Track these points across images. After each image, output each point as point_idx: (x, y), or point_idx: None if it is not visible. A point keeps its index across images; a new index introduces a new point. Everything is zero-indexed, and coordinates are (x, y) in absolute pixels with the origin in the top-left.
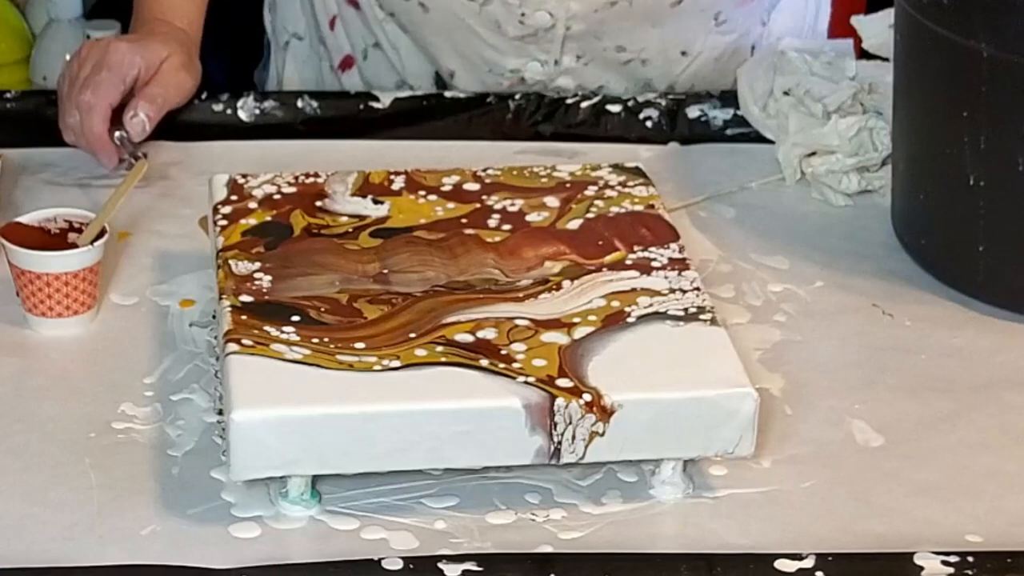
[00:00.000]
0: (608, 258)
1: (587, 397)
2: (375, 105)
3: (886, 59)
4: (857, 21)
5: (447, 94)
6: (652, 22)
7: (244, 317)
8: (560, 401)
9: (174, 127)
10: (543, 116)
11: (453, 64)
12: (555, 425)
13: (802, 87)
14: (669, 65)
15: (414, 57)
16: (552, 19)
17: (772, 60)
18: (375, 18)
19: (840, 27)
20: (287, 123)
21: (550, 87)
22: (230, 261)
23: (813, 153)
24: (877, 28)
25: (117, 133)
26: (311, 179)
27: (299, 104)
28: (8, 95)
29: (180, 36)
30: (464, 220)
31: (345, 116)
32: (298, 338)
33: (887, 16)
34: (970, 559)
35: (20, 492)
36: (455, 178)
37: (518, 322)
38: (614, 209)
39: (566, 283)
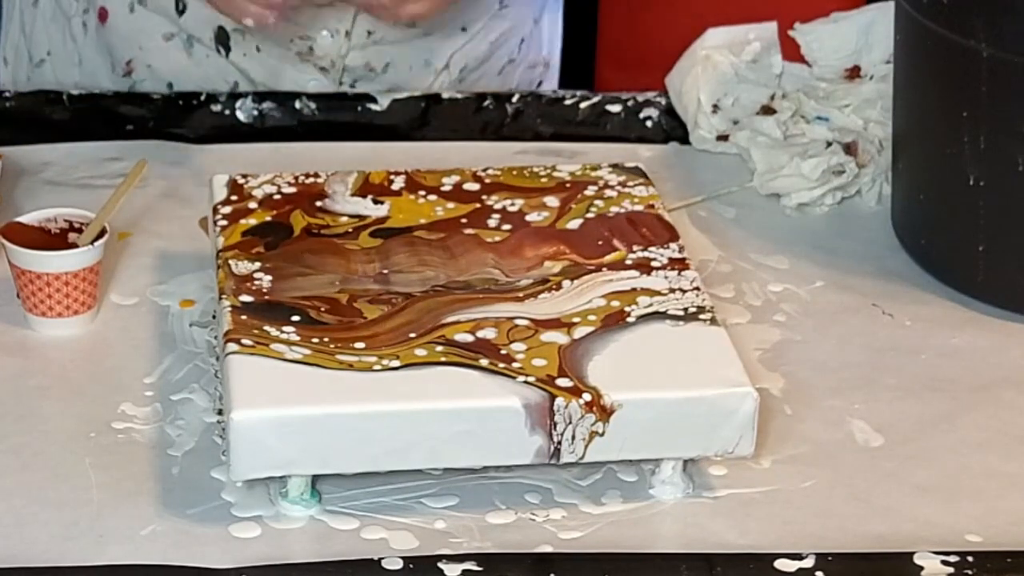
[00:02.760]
0: (608, 258)
1: (587, 397)
2: (373, 107)
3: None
4: (799, 28)
5: (445, 95)
6: None
7: (244, 317)
8: (560, 401)
9: (172, 129)
10: (543, 116)
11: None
12: (555, 425)
13: (730, 96)
14: (448, 41)
15: (198, 7)
16: None
17: (696, 69)
18: None
19: None
20: (285, 124)
21: (339, 64)
22: (230, 261)
23: None
24: (817, 35)
25: None
26: (311, 179)
27: (297, 105)
28: (8, 95)
29: None
30: (464, 220)
31: (343, 117)
32: (298, 338)
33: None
34: (970, 559)
35: (20, 492)
36: (455, 178)
37: (518, 322)
38: (614, 209)
39: (566, 283)
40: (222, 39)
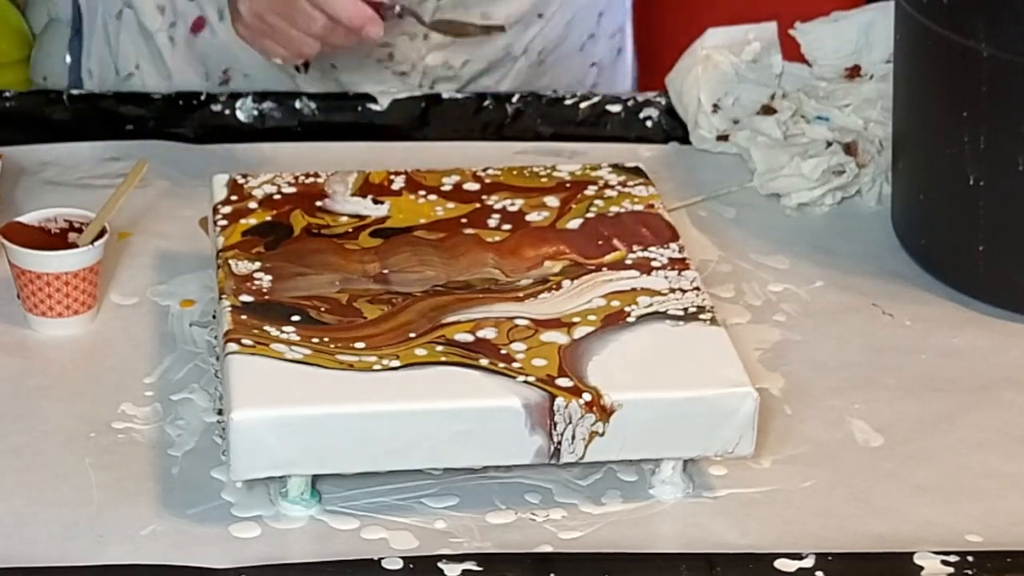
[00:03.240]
0: (608, 258)
1: (587, 397)
2: (373, 107)
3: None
4: (800, 28)
5: (445, 95)
6: None
7: (244, 317)
8: (560, 401)
9: (172, 129)
10: (543, 116)
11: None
12: (555, 425)
13: (731, 96)
14: (527, 30)
15: None
16: None
17: (696, 68)
18: None
19: None
20: (285, 124)
21: (419, 66)
22: (230, 261)
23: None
24: (817, 35)
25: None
26: (311, 179)
27: (297, 105)
28: (8, 95)
29: None
30: (464, 220)
31: (343, 117)
32: (298, 338)
33: (827, 21)
34: (970, 559)
35: (20, 492)
36: (455, 178)
37: (518, 322)
38: (614, 209)
39: (566, 283)
40: None
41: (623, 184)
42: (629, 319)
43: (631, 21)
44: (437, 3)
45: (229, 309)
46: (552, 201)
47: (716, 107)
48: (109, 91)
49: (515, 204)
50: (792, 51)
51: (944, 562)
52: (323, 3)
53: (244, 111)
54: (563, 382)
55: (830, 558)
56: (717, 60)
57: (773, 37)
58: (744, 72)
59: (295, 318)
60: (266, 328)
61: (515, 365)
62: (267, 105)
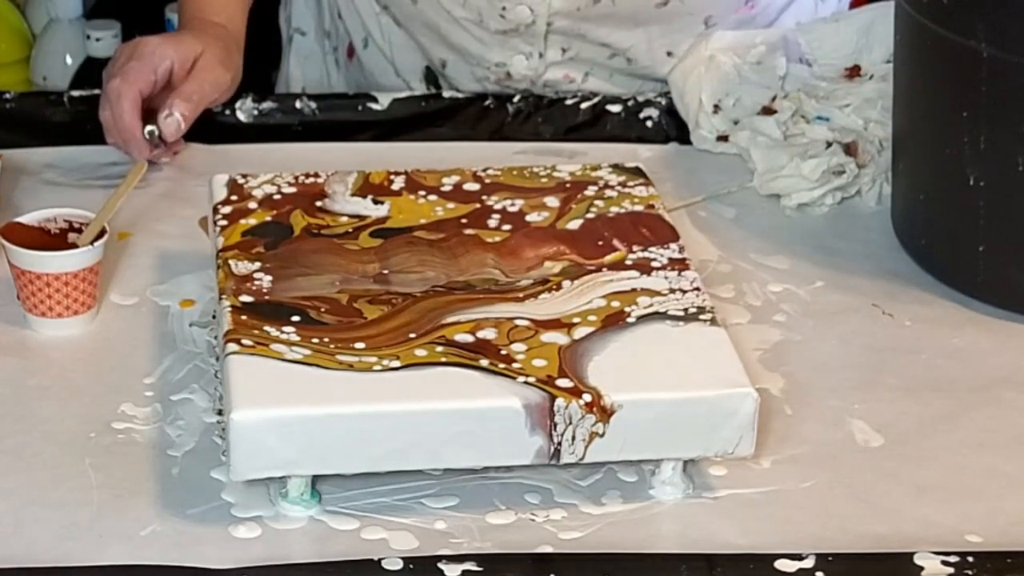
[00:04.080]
0: (608, 258)
1: (587, 397)
2: (373, 106)
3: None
4: (800, 27)
5: (446, 94)
6: (636, 21)
7: (244, 317)
8: (560, 401)
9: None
10: (543, 116)
11: (443, 56)
12: (555, 425)
13: (732, 97)
14: (655, 65)
15: (406, 50)
16: (532, 15)
17: (699, 68)
18: (370, 11)
19: None
20: (286, 124)
21: (539, 82)
22: (230, 261)
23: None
24: (817, 34)
25: (148, 128)
26: (311, 179)
27: (297, 105)
28: (8, 95)
29: (218, 32)
30: (464, 220)
31: (344, 117)
32: (298, 338)
33: (828, 21)
34: (970, 559)
35: (20, 492)
36: (455, 178)
37: (518, 322)
38: (614, 209)
39: (566, 283)
40: (431, 79)
41: (623, 184)
42: (629, 319)
43: None
44: (548, 27)
45: (229, 309)
46: (552, 201)
47: (717, 108)
48: None
49: (515, 204)
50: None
51: (944, 562)
52: (112, 103)
53: (244, 111)
54: (563, 383)
55: (830, 558)
56: (720, 61)
57: (779, 41)
58: (747, 73)
59: (295, 318)
60: (266, 328)
61: (515, 366)
62: (267, 105)
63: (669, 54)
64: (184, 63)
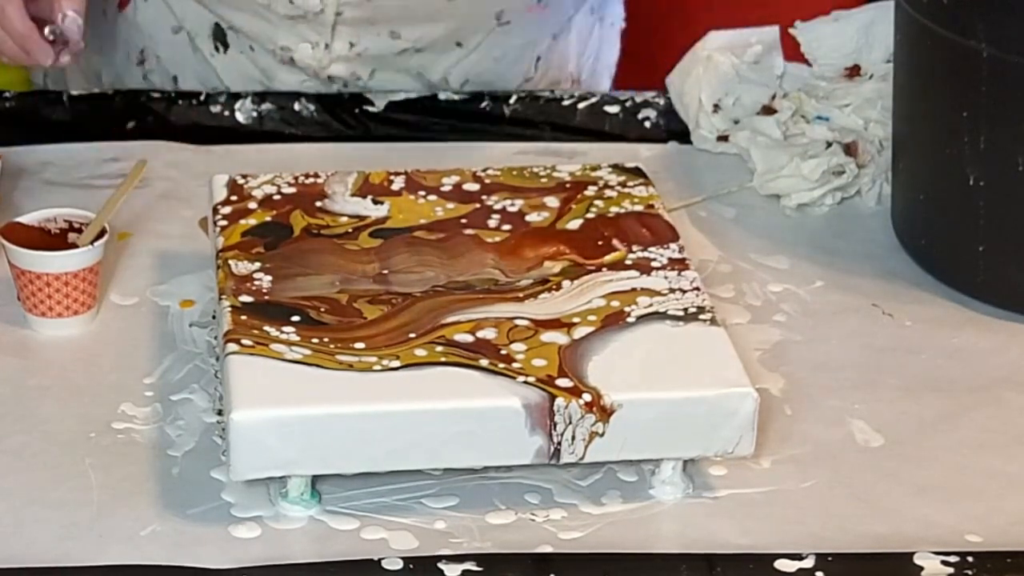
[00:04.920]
0: (608, 258)
1: (587, 397)
2: (370, 109)
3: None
4: (800, 27)
5: (442, 96)
6: (428, 15)
7: (244, 317)
8: (560, 401)
9: (172, 129)
10: (542, 116)
11: (230, 21)
12: (555, 425)
13: (731, 96)
14: (443, 56)
15: (193, 6)
16: (321, 3)
17: (698, 69)
18: None
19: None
20: (284, 125)
21: (322, 74)
22: (230, 261)
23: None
24: (817, 34)
25: (47, 28)
26: (311, 179)
27: (296, 107)
28: (8, 95)
29: None
30: (464, 220)
31: (342, 118)
32: (298, 338)
33: (827, 21)
34: (970, 559)
35: (20, 492)
36: (455, 178)
37: (518, 322)
38: (614, 209)
39: (566, 283)
40: (219, 36)
41: (623, 184)
42: (629, 319)
43: (611, 68)
44: (337, 16)
45: (229, 309)
46: (552, 201)
47: (717, 107)
48: (109, 90)
49: (515, 204)
50: (793, 51)
51: (944, 562)
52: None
53: (243, 112)
54: (563, 382)
55: (830, 558)
56: (718, 61)
57: (775, 40)
58: (745, 73)
59: (295, 318)
60: (266, 328)
61: (515, 365)
62: (266, 107)
63: (458, 45)
64: None
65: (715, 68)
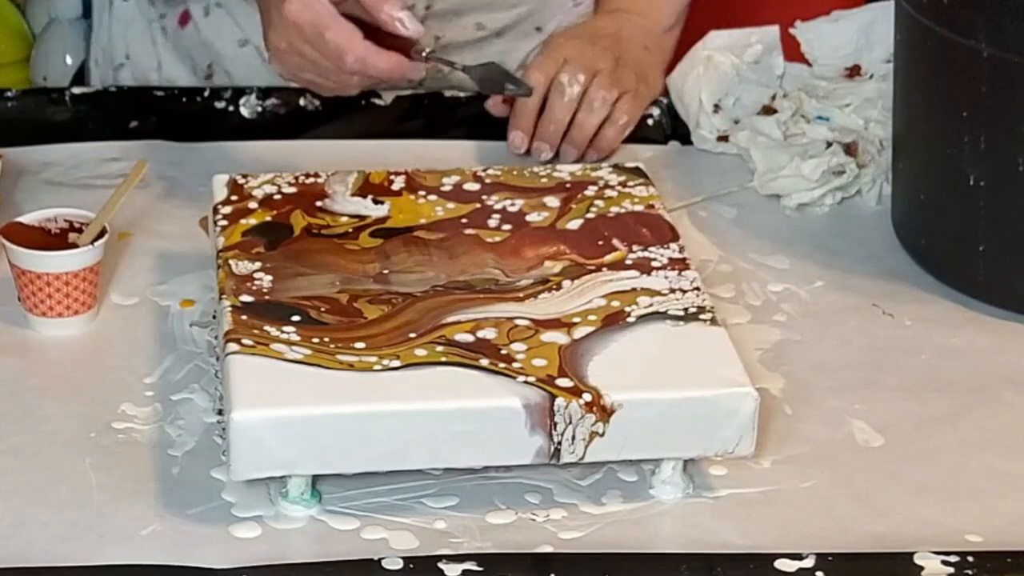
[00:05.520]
0: (608, 258)
1: (587, 397)
2: (377, 102)
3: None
4: (800, 26)
5: (446, 93)
6: (513, 3)
7: (244, 317)
8: (560, 401)
9: (175, 125)
10: None
11: None
12: (555, 425)
13: (731, 96)
14: (522, 40)
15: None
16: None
17: (698, 69)
18: None
19: None
20: (289, 120)
21: None
22: (230, 261)
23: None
24: (817, 34)
25: (422, 50)
26: (311, 179)
27: (301, 102)
28: (8, 95)
29: None
30: (464, 220)
31: (346, 113)
32: (298, 338)
33: (828, 20)
34: (970, 559)
35: (20, 492)
36: (455, 178)
37: (518, 322)
38: (614, 209)
39: (566, 283)
40: None
41: (623, 184)
42: (629, 319)
43: None
44: (427, 9)
45: (229, 309)
46: (552, 201)
47: (717, 107)
48: (111, 89)
49: (515, 204)
50: (793, 51)
51: (944, 562)
52: (363, 68)
53: (248, 107)
54: (563, 382)
55: (830, 558)
56: (718, 61)
57: (775, 40)
58: (745, 73)
59: (295, 318)
60: (266, 328)
61: (515, 365)
62: (271, 102)
63: (538, 29)
64: None
65: (715, 68)
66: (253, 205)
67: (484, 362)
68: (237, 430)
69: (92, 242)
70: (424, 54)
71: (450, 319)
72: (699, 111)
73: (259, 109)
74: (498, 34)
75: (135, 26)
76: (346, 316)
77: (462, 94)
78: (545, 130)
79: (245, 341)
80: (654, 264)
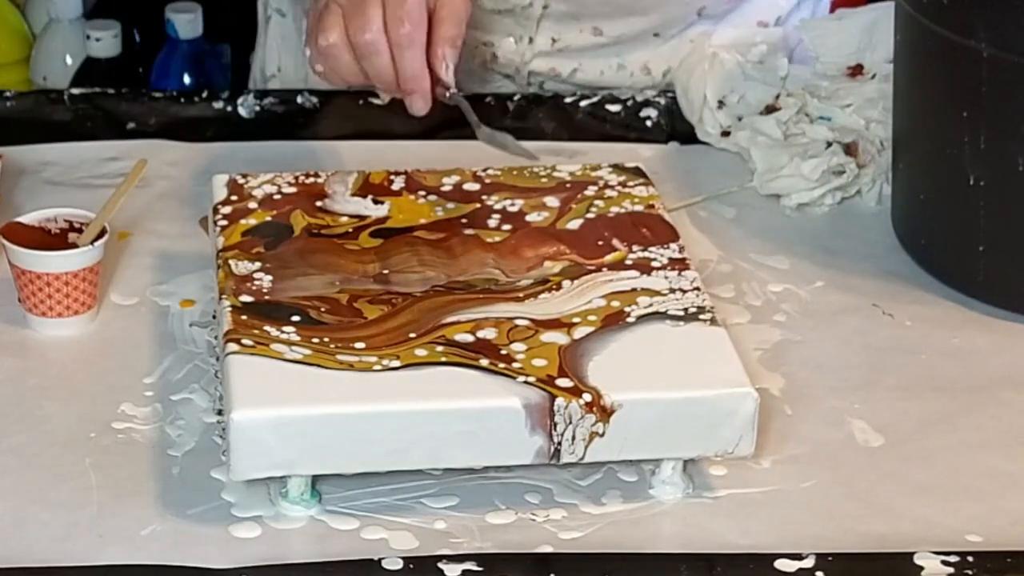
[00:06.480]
0: (608, 258)
1: (587, 397)
2: (375, 101)
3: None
4: (802, 24)
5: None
6: (632, 9)
7: (244, 317)
8: (560, 401)
9: (174, 125)
10: (543, 116)
11: None
12: (555, 425)
13: (736, 93)
14: (642, 47)
15: None
16: None
17: (703, 65)
18: None
19: None
20: (287, 119)
21: (523, 70)
22: (230, 261)
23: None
24: (820, 31)
25: (449, 93)
26: (311, 179)
27: (299, 100)
28: (8, 95)
29: None
30: (464, 220)
31: (345, 112)
32: (298, 338)
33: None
34: (970, 559)
35: (20, 492)
36: (455, 178)
37: (518, 322)
38: (614, 209)
39: (566, 283)
40: None
41: (623, 184)
42: (629, 319)
43: None
44: (544, 9)
45: (229, 309)
46: (552, 201)
47: (721, 103)
48: (109, 90)
49: (515, 204)
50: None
51: (944, 562)
52: (394, 43)
53: (246, 107)
54: (563, 382)
55: (830, 558)
56: (724, 58)
57: (779, 40)
58: (750, 71)
59: (295, 318)
60: (266, 328)
61: (515, 365)
62: (269, 100)
63: (656, 35)
64: None
65: (721, 65)
66: (253, 205)
67: (484, 362)
68: (237, 430)
69: (92, 242)
70: (448, 94)
71: (450, 319)
72: (703, 106)
73: (256, 109)
74: (616, 40)
75: (289, 42)
76: (346, 316)
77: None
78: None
79: (245, 341)
80: (654, 264)
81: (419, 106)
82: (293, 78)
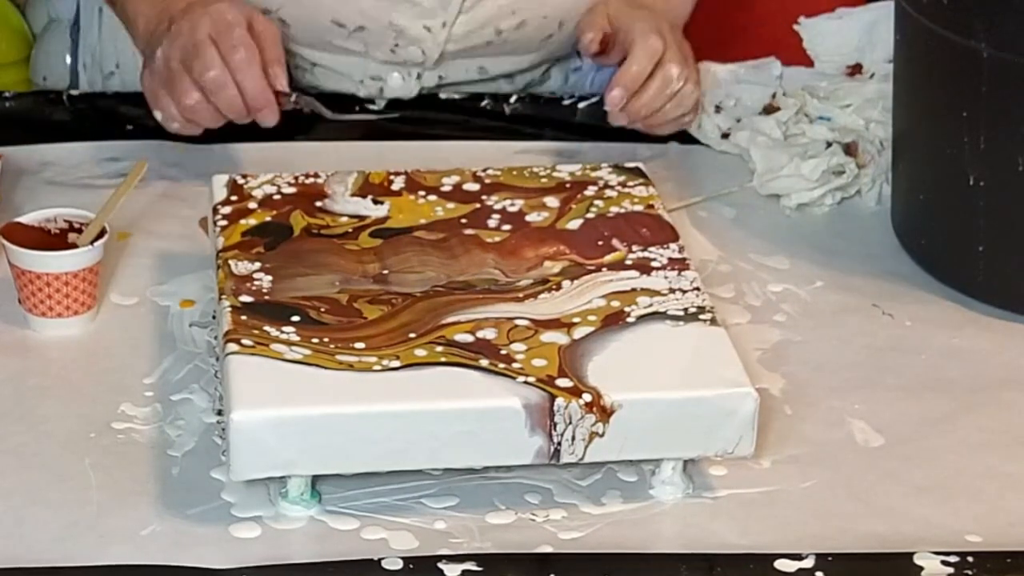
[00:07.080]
0: (608, 258)
1: (587, 397)
2: (372, 106)
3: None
4: (803, 24)
5: (443, 95)
6: (521, 53)
7: (244, 317)
8: (560, 401)
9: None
10: (543, 116)
11: (315, 58)
12: (555, 425)
13: (732, 97)
14: (525, 77)
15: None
16: (424, 56)
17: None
18: None
19: None
20: (287, 120)
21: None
22: (230, 261)
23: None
24: (820, 31)
25: (292, 97)
26: (311, 179)
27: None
28: (8, 95)
29: None
30: (464, 220)
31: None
32: (298, 338)
33: (830, 18)
34: (970, 559)
35: (20, 492)
36: (455, 178)
37: (518, 322)
38: (614, 209)
39: (566, 283)
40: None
41: (623, 184)
42: (629, 319)
43: None
44: (448, 32)
45: (229, 309)
46: (552, 201)
47: (719, 108)
48: (109, 91)
49: (515, 204)
50: (795, 52)
51: (944, 562)
52: (235, 70)
53: None
54: (563, 382)
55: (830, 558)
56: (715, 68)
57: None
58: (743, 75)
59: (295, 318)
60: (266, 328)
61: (515, 365)
62: None
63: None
64: (251, 19)
65: (713, 76)
66: (253, 205)
67: (484, 362)
68: (237, 430)
69: (92, 242)
70: (294, 98)
71: (450, 319)
72: (700, 114)
73: None
74: (500, 75)
75: (123, 34)
76: (346, 316)
77: (457, 96)
78: (634, 107)
79: (245, 341)
80: (654, 264)
81: (270, 119)
82: (135, 76)
